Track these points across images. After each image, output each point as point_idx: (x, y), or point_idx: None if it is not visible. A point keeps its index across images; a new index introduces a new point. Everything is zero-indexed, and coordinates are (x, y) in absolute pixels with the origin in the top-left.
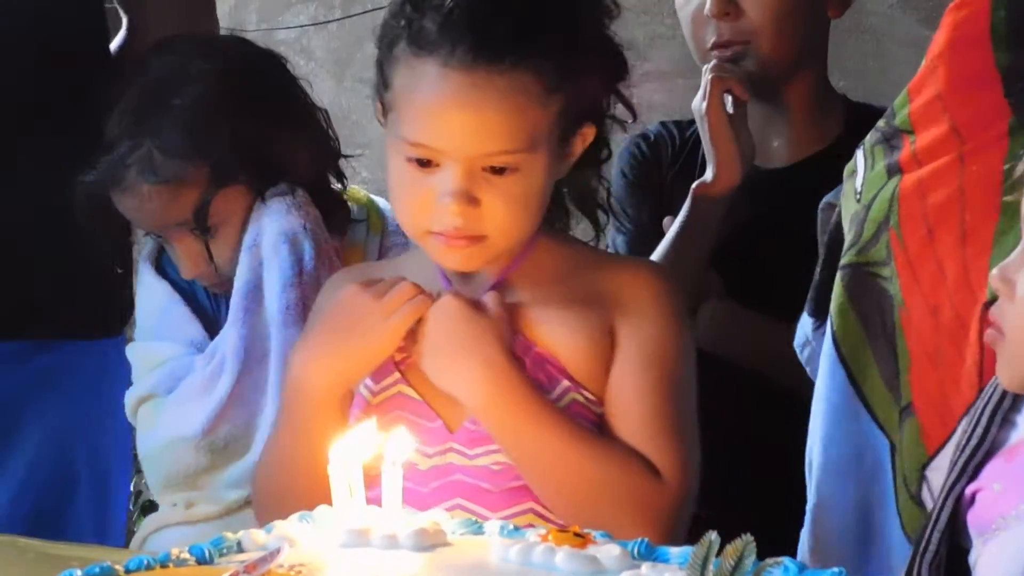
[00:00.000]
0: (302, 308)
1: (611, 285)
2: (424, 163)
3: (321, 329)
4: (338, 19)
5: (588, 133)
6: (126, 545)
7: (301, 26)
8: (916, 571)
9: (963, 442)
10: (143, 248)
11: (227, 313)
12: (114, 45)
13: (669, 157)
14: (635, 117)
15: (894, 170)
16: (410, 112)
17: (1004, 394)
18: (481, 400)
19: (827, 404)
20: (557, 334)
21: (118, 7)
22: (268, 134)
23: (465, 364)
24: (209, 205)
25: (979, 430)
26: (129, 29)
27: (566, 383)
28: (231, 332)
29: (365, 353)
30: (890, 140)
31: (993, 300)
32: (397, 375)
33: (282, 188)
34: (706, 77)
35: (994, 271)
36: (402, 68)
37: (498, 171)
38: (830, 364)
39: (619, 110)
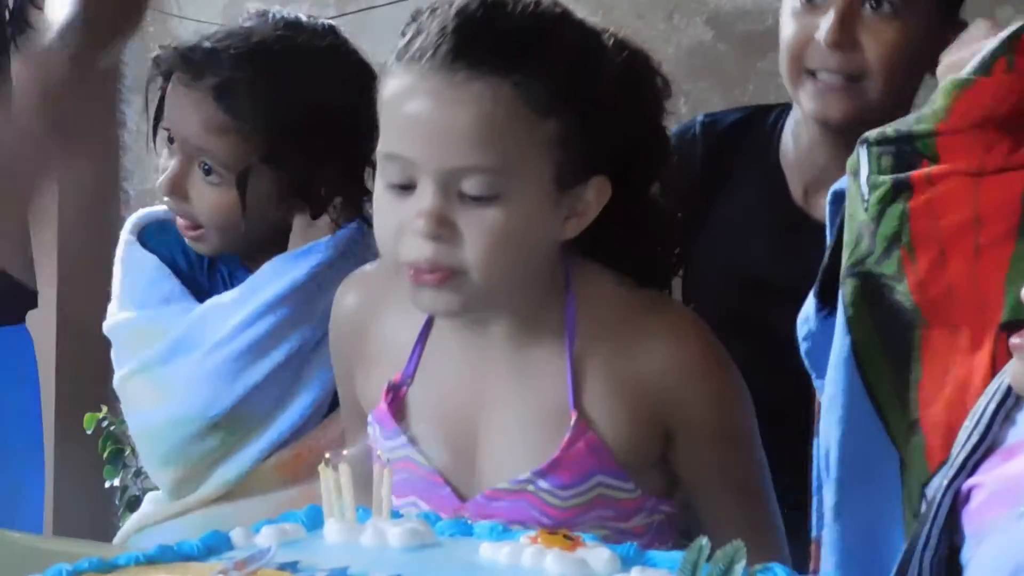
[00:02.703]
0: None
1: (655, 357)
2: (401, 188)
3: None
4: (333, 17)
5: (600, 188)
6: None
7: None
8: (916, 570)
9: (964, 438)
10: (126, 223)
11: (211, 282)
12: None
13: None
14: (665, 160)
15: (903, 186)
16: (386, 121)
17: (1008, 391)
18: None
19: (844, 412)
20: (612, 417)
21: None
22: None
23: None
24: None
25: (981, 426)
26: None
27: (601, 478)
28: (271, 320)
29: None
30: (905, 158)
31: (1011, 322)
32: (405, 439)
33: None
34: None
35: None
36: (387, 79)
37: (476, 200)
38: (847, 369)
39: None
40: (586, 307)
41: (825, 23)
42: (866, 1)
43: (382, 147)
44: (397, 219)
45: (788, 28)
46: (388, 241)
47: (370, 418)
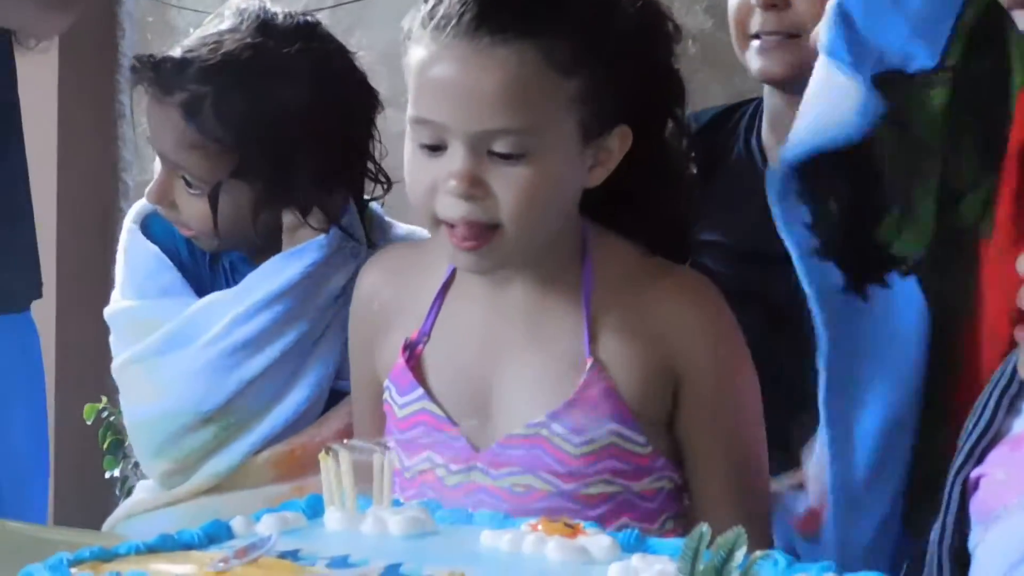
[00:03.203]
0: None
1: (667, 315)
2: (432, 148)
3: None
4: (330, 7)
5: (622, 136)
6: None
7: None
8: (935, 562)
9: (970, 426)
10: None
11: (212, 275)
12: None
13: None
14: (682, 95)
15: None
16: (415, 86)
17: (1012, 380)
18: None
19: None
20: (625, 367)
21: None
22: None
23: None
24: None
25: (986, 415)
26: None
27: (613, 424)
28: (266, 317)
29: None
30: None
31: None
32: (421, 391)
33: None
34: None
35: None
36: (413, 46)
37: (506, 157)
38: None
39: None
40: (602, 269)
41: None
42: None
43: (412, 111)
44: (430, 177)
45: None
46: (422, 198)
47: (386, 384)
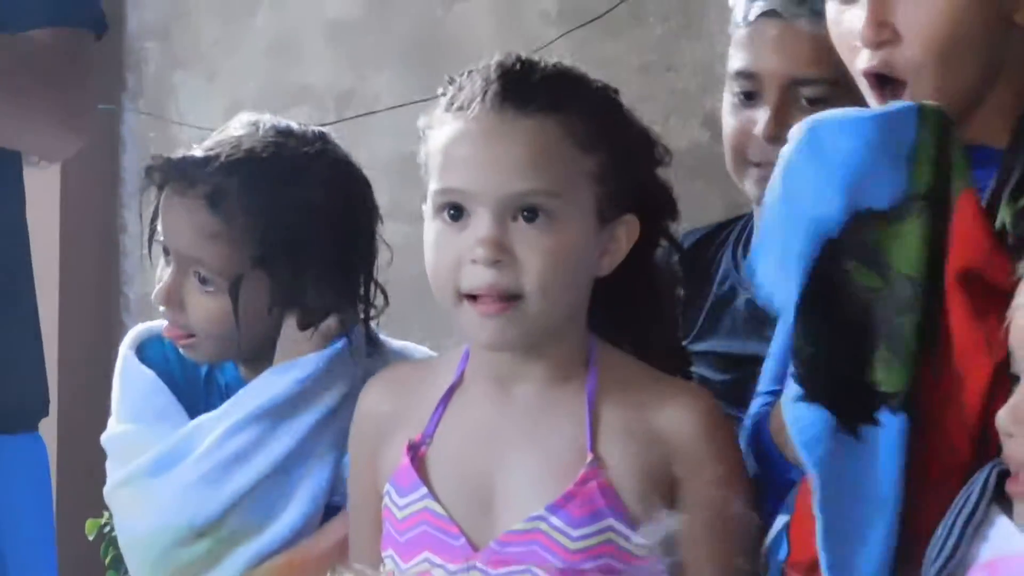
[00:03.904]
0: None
1: (667, 418)
2: (455, 216)
3: None
4: (332, 123)
5: (631, 225)
6: None
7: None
8: None
9: (933, 555)
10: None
11: (207, 396)
12: None
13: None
14: (674, 210)
15: None
16: (439, 162)
17: (976, 506)
18: None
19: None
20: (625, 466)
21: None
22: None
23: None
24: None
25: (950, 543)
26: None
27: (611, 521)
28: (255, 430)
29: None
30: None
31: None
32: (424, 490)
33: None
34: None
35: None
36: (436, 128)
37: (530, 217)
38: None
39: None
40: (606, 373)
41: (762, 117)
42: (799, 96)
43: (437, 185)
44: (454, 252)
45: (729, 123)
46: (445, 274)
47: (386, 489)
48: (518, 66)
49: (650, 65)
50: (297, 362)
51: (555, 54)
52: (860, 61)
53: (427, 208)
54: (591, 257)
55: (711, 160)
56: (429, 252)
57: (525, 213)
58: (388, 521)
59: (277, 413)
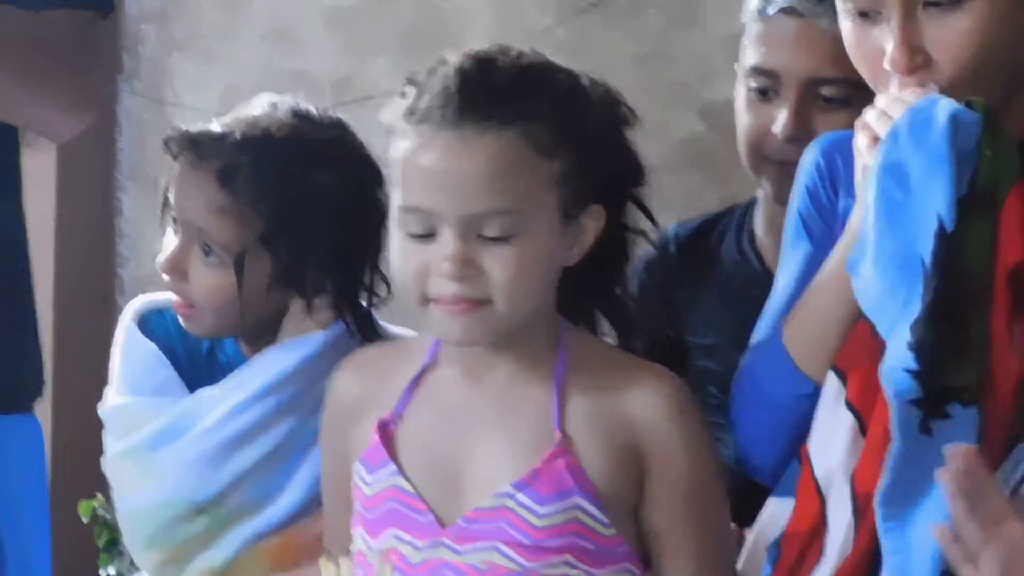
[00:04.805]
0: None
1: (635, 399)
2: (422, 237)
3: None
4: (328, 107)
5: (596, 214)
6: None
7: None
8: None
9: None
10: (127, 309)
11: (209, 372)
12: None
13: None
14: (653, 222)
15: None
16: (402, 177)
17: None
18: None
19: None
20: (592, 446)
21: None
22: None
23: None
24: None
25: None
26: None
27: (578, 500)
28: (258, 410)
29: None
30: None
31: None
32: (393, 467)
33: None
34: None
35: None
36: (397, 139)
37: (495, 239)
38: None
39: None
40: (575, 356)
41: (781, 116)
42: (818, 95)
43: (402, 201)
44: (421, 261)
45: (744, 119)
46: (412, 281)
47: (355, 467)
48: (478, 72)
49: (648, 55)
50: (303, 339)
51: (552, 43)
52: (892, 87)
53: (392, 216)
54: (558, 255)
55: (708, 151)
56: (396, 259)
57: (490, 237)
58: (357, 499)
59: (282, 390)
